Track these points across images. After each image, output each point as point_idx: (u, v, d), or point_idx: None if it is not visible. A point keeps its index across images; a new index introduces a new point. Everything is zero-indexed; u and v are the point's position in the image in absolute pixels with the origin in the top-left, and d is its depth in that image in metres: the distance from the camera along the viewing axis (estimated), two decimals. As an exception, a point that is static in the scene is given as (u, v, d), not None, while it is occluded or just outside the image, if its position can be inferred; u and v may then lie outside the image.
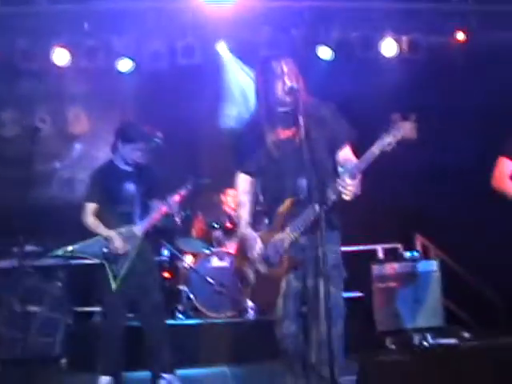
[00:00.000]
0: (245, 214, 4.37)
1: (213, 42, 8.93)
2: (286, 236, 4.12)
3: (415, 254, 7.59)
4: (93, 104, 9.08)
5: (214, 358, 6.77)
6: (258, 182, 4.44)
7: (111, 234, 5.42)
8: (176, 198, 5.51)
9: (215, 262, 7.75)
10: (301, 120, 4.08)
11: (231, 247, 7.92)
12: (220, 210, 8.52)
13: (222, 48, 9.00)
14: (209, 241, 8.14)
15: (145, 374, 5.75)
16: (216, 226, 8.15)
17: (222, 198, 8.63)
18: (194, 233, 8.45)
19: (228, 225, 8.22)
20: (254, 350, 6.75)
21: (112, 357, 5.42)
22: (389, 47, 8.99)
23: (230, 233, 8.20)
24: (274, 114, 4.24)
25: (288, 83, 4.12)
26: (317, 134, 4.09)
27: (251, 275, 4.26)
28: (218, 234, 8.09)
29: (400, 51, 9.06)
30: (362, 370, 2.56)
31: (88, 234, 5.60)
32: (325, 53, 8.87)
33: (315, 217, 4.00)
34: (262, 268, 4.20)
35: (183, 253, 7.98)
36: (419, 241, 9.04)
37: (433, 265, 7.34)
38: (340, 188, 3.89)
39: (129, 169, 5.58)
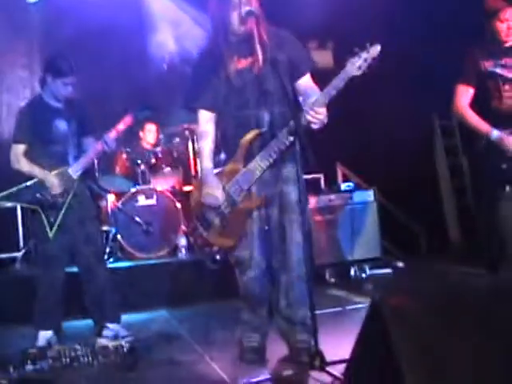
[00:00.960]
0: (207, 147, 4.07)
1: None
2: (254, 167, 3.88)
3: (351, 184, 7.44)
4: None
5: (149, 302, 6.46)
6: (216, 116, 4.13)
7: (48, 175, 4.94)
8: (113, 133, 5.05)
9: (142, 201, 7.41)
10: (258, 48, 3.87)
11: (157, 184, 7.61)
12: (141, 146, 8.14)
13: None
14: (133, 178, 7.72)
15: (86, 323, 5.38)
16: (140, 162, 7.72)
17: (141, 133, 8.24)
18: (117, 170, 8.00)
19: (153, 161, 7.83)
20: (190, 290, 6.55)
21: (52, 310, 4.98)
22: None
23: (155, 169, 7.83)
24: (230, 43, 3.95)
25: (245, 8, 3.80)
26: (277, 61, 3.83)
27: (212, 216, 4.01)
28: (143, 170, 7.67)
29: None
30: (374, 309, 2.38)
31: (11, 178, 5.09)
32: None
33: (282, 148, 3.79)
34: (225, 208, 3.96)
35: (107, 192, 7.55)
36: (340, 170, 8.98)
37: (369, 195, 7.21)
38: (309, 116, 3.65)
39: (59, 105, 5.05)
